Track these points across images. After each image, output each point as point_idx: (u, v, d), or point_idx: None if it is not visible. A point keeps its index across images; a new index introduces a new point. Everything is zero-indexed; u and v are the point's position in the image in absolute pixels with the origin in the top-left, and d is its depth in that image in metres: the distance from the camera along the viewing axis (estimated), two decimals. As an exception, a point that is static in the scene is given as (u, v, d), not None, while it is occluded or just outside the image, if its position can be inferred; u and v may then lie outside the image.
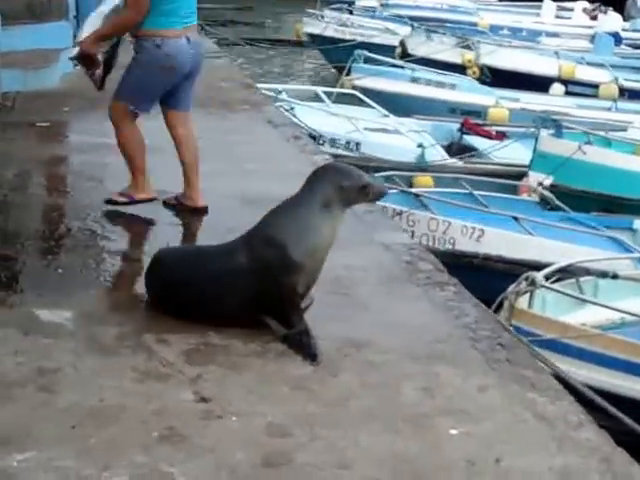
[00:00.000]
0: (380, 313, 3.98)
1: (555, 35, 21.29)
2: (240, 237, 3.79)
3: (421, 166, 11.18)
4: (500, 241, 8.32)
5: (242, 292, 3.66)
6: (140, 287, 4.03)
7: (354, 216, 4.69)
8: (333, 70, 18.98)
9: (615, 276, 7.14)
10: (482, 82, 16.20)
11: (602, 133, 11.09)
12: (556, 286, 6.79)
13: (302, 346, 3.59)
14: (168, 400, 3.24)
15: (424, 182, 10.21)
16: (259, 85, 12.46)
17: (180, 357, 3.51)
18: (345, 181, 3.69)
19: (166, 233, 4.84)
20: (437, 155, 11.57)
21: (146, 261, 4.08)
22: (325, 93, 13.38)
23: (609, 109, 14.71)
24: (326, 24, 19.72)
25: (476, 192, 9.32)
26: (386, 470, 2.95)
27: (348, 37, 18.82)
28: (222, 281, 3.70)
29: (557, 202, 9.53)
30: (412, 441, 3.09)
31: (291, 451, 3.01)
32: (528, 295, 6.39)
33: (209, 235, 4.56)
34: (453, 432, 3.15)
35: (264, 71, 19.69)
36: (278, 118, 7.65)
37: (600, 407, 4.97)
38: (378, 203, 8.52)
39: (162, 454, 2.94)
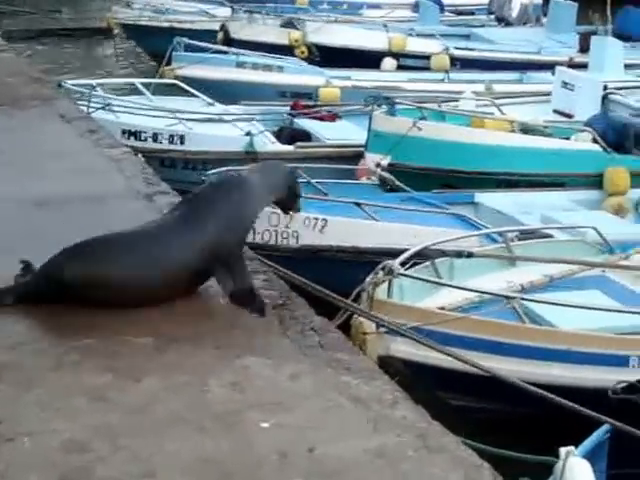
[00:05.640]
0: (184, 310, 3.95)
1: (377, 7, 21.65)
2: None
3: (250, 155, 11.22)
4: (345, 230, 8.43)
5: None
6: None
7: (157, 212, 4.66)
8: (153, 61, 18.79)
9: (470, 255, 7.37)
10: (311, 62, 16.34)
11: (435, 107, 11.38)
12: (412, 271, 6.94)
13: (249, 302, 3.89)
14: (-48, 428, 3.14)
15: None
16: (70, 82, 12.24)
17: (-35, 379, 3.41)
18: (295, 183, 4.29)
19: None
20: (267, 142, 11.62)
21: None
22: (144, 85, 13.23)
23: (442, 80, 15.12)
24: (139, 11, 19.47)
25: (314, 180, 9.41)
26: (194, 474, 2.94)
27: (165, 24, 18.65)
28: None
29: (397, 183, 9.74)
30: (221, 440, 3.09)
31: (91, 467, 2.96)
32: (386, 284, 6.51)
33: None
34: (264, 425, 3.16)
35: (70, 66, 19.28)
36: (71, 112, 7.50)
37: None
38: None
39: (-56, 489, 2.85)
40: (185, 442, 3.08)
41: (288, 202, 4.29)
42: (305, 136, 12.01)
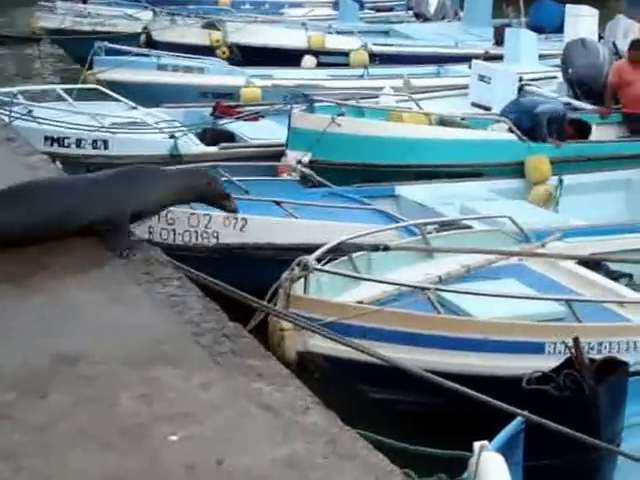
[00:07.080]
0: (95, 320, 3.80)
1: (298, 5, 21.63)
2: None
3: (176, 158, 11.07)
4: (264, 228, 8.31)
5: None
6: None
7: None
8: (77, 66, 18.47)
9: (386, 248, 7.32)
10: (233, 62, 16.22)
11: (354, 102, 11.33)
12: (329, 267, 6.87)
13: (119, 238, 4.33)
14: None
15: None
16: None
17: None
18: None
19: None
20: (191, 144, 11.50)
21: None
22: (66, 91, 13.01)
23: (362, 76, 15.09)
24: (62, 17, 19.13)
25: (235, 178, 9.28)
26: (99, 493, 2.81)
27: (88, 29, 18.32)
28: None
29: (318, 178, 9.65)
30: (128, 456, 2.94)
31: (-9, 489, 2.81)
32: (303, 280, 6.40)
33: None
34: (173, 438, 3.02)
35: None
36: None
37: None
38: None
39: None
40: (91, 459, 2.93)
41: (217, 202, 4.86)
42: (229, 137, 11.89)
